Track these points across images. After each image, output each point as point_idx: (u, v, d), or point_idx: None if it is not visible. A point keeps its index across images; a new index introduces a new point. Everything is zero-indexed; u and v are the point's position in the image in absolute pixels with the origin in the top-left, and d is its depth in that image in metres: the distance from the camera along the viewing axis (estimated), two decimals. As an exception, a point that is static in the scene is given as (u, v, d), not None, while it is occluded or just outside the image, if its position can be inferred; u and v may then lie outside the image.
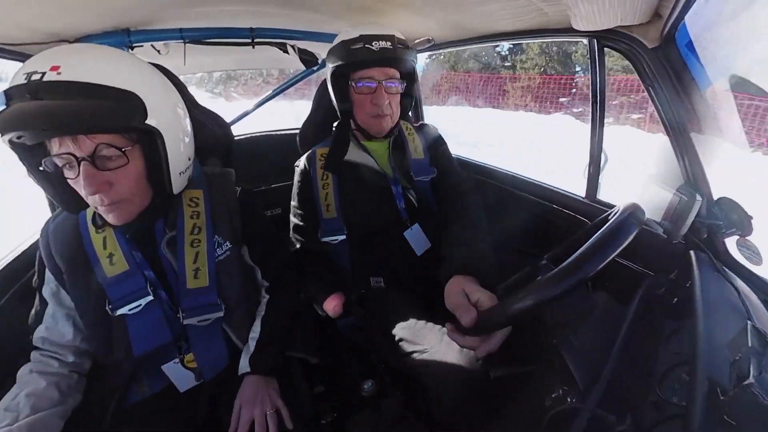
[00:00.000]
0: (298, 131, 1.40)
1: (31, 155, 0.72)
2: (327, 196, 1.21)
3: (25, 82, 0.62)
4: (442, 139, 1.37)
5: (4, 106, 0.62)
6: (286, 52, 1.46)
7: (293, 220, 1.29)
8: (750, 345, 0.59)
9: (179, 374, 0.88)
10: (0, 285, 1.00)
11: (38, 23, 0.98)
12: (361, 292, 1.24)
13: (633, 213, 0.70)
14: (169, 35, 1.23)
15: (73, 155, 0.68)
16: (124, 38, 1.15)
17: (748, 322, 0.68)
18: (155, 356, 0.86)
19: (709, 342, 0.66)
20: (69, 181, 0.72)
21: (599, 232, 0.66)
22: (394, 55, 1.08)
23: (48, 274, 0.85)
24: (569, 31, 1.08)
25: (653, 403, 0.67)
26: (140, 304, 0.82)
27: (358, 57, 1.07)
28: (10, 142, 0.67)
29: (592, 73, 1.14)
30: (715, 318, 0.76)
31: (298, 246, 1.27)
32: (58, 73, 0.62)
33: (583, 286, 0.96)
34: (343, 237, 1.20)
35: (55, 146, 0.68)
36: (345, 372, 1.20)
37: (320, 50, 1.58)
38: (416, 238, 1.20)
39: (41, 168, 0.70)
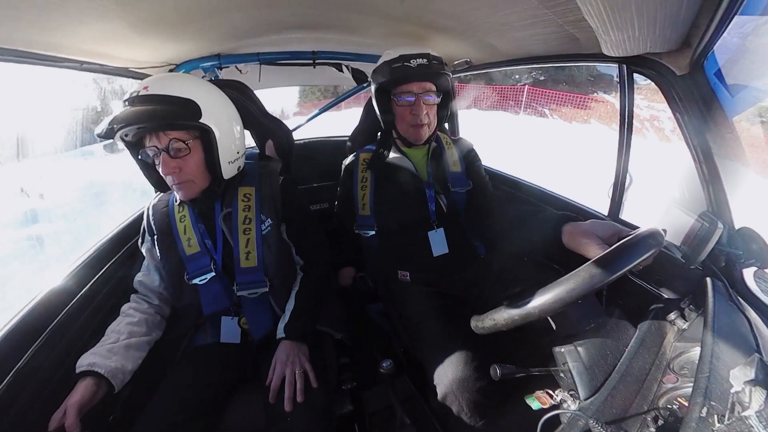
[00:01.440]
0: (344, 138, 1.50)
1: (135, 150, 0.94)
2: (364, 197, 1.28)
3: (128, 97, 0.85)
4: (476, 152, 1.38)
5: (120, 111, 0.85)
6: (341, 71, 1.58)
7: (337, 206, 1.40)
8: (754, 377, 0.55)
9: (233, 330, 1.02)
10: (115, 244, 1.23)
11: (155, 53, 1.18)
12: (387, 283, 1.28)
13: (653, 234, 0.70)
14: (248, 58, 1.41)
15: (156, 147, 0.88)
16: (215, 62, 1.33)
17: (757, 354, 0.63)
18: (218, 315, 1.01)
19: (714, 369, 0.63)
20: (156, 167, 0.92)
21: (615, 247, 0.68)
22: (429, 70, 1.13)
23: (147, 235, 1.06)
24: (599, 56, 1.04)
25: (649, 421, 0.64)
26: (206, 278, 0.99)
27: (399, 74, 1.13)
28: (122, 140, 0.90)
29: (621, 98, 1.08)
30: (723, 347, 0.71)
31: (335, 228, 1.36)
32: (146, 89, 0.85)
33: (596, 300, 0.94)
34: (374, 233, 1.26)
35: (147, 142, 0.90)
36: (368, 350, 1.27)
37: (370, 70, 1.66)
38: (437, 240, 1.23)
39: (140, 158, 0.94)
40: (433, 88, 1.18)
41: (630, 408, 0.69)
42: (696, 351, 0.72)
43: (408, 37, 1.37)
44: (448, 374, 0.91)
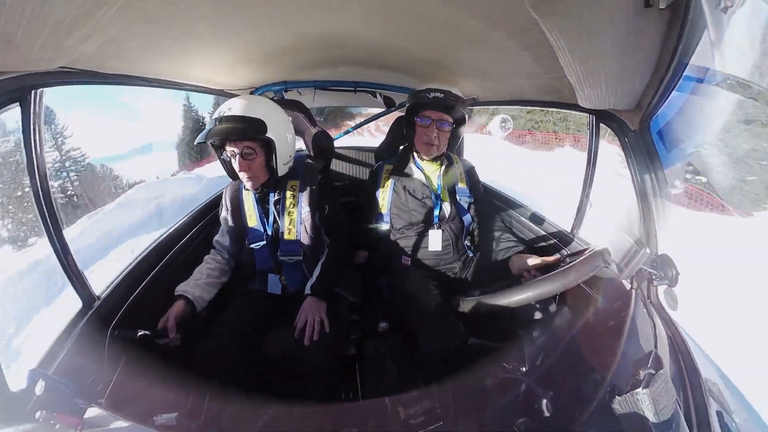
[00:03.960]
0: (373, 148, 1.64)
1: (219, 150, 1.13)
2: (383, 198, 1.38)
3: (218, 116, 1.02)
4: (475, 170, 1.48)
5: (213, 126, 1.02)
6: (375, 97, 1.72)
7: (362, 201, 1.51)
8: (649, 366, 0.62)
9: (276, 284, 1.22)
10: (203, 214, 1.47)
11: (243, 79, 1.39)
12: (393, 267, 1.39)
13: (603, 252, 0.78)
14: (306, 84, 1.61)
15: (234, 151, 1.05)
16: (282, 86, 1.53)
17: (654, 350, 0.71)
18: (266, 272, 1.21)
19: (623, 357, 0.72)
20: (233, 164, 1.09)
21: (570, 263, 0.73)
22: (444, 103, 1.23)
23: (224, 208, 1.26)
24: (576, 106, 1.10)
25: (572, 389, 0.74)
26: (260, 244, 1.19)
27: (419, 100, 1.26)
28: (211, 144, 1.10)
29: (589, 141, 1.14)
30: (633, 342, 0.79)
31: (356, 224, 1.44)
32: (230, 110, 1.02)
33: (551, 300, 1.02)
34: (387, 227, 1.38)
35: (228, 147, 1.07)
36: (373, 312, 1.37)
37: (396, 97, 1.83)
38: (434, 238, 1.33)
39: (222, 157, 1.13)
40: (449, 118, 1.27)
41: (560, 377, 0.77)
42: (614, 343, 0.80)
43: (431, 75, 1.49)
44: (432, 337, 1.02)
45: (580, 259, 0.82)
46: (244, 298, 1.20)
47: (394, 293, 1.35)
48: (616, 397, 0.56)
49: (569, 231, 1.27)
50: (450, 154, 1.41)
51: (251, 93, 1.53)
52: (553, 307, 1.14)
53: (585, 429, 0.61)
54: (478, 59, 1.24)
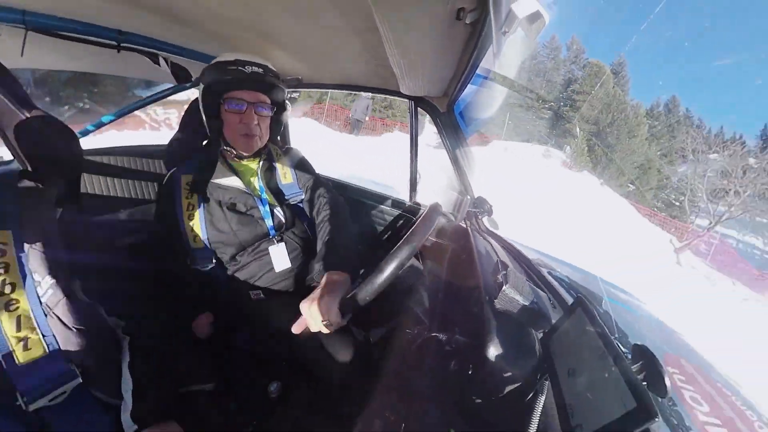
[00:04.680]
0: (158, 148, 1.10)
1: None
2: (194, 227, 0.98)
3: None
4: (306, 160, 1.25)
5: None
6: (157, 63, 1.16)
7: (156, 244, 1.03)
8: (500, 270, 0.78)
9: None
10: None
11: None
12: (241, 307, 1.04)
13: (436, 206, 0.85)
14: (4, 15, 0.79)
15: None
16: None
17: (497, 258, 0.99)
18: None
19: (484, 273, 0.88)
20: None
21: (414, 224, 0.76)
22: (264, 81, 0.97)
23: None
24: (398, 93, 1.31)
25: (467, 315, 0.82)
26: None
27: (231, 77, 0.94)
28: None
29: (410, 123, 1.41)
30: (484, 260, 1.03)
31: (159, 272, 1.00)
32: None
33: (414, 261, 1.15)
34: (213, 264, 1.00)
35: None
36: (250, 383, 1.00)
37: (194, 69, 1.29)
38: (278, 255, 1.05)
39: None
40: (267, 100, 1.03)
41: (456, 311, 0.91)
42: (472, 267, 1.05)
43: (242, 43, 1.19)
44: (337, 365, 0.89)
45: (421, 217, 0.87)
46: None
47: (262, 342, 1.03)
48: (494, 301, 0.69)
49: (408, 201, 1.53)
50: (270, 146, 1.17)
51: None
52: (420, 266, 1.35)
53: (496, 335, 0.67)
54: (305, 33, 1.12)
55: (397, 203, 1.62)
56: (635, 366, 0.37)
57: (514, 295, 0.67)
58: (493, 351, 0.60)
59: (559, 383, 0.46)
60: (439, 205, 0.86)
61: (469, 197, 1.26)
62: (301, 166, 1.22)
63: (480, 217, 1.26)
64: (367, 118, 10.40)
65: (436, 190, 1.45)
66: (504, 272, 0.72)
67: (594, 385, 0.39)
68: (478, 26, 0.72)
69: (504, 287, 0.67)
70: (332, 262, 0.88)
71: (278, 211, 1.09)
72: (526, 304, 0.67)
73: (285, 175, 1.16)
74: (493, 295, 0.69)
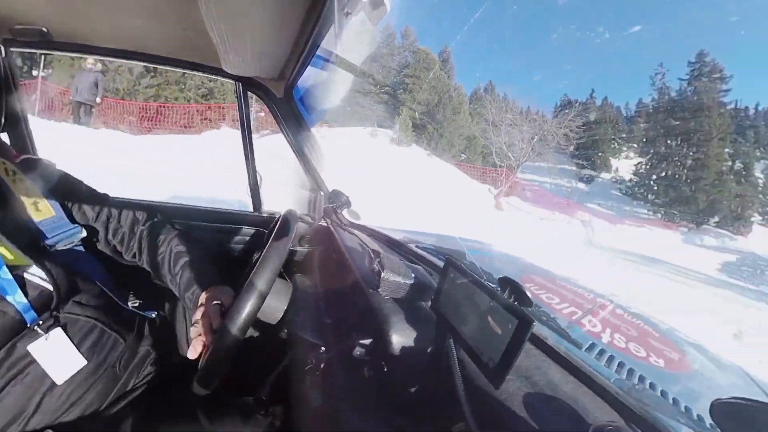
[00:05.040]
0: None
1: None
2: None
3: None
4: (71, 176, 0.81)
5: None
6: None
7: None
8: (374, 257, 0.73)
9: None
10: None
11: None
12: None
13: (291, 213, 0.76)
14: None
15: None
16: None
17: (367, 247, 0.92)
18: None
19: (359, 266, 0.81)
20: None
21: (271, 239, 0.67)
22: None
23: None
24: (220, 71, 1.05)
25: (354, 316, 0.74)
26: None
27: None
28: None
29: (239, 111, 1.16)
30: (356, 253, 0.92)
31: None
32: None
33: (281, 278, 0.95)
34: None
35: None
36: None
37: None
38: (54, 353, 0.60)
39: None
40: None
41: (345, 320, 0.77)
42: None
43: None
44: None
45: (275, 229, 0.75)
46: None
47: None
48: (378, 290, 0.66)
49: (252, 211, 1.25)
50: None
51: None
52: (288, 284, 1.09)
53: (393, 322, 0.62)
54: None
55: (239, 218, 1.26)
56: (505, 293, 0.44)
57: (394, 278, 0.66)
58: (397, 339, 0.58)
59: (460, 335, 0.48)
60: (292, 212, 0.78)
61: (323, 193, 1.17)
62: (66, 186, 0.78)
63: (339, 211, 1.20)
64: (98, 99, 7.63)
65: (282, 192, 1.27)
66: (378, 259, 0.70)
67: (483, 321, 0.44)
68: (319, 2, 0.66)
69: (382, 273, 0.66)
70: (203, 281, 0.73)
71: (36, 273, 0.62)
72: (408, 281, 0.67)
73: (37, 206, 0.69)
74: (375, 285, 0.67)
